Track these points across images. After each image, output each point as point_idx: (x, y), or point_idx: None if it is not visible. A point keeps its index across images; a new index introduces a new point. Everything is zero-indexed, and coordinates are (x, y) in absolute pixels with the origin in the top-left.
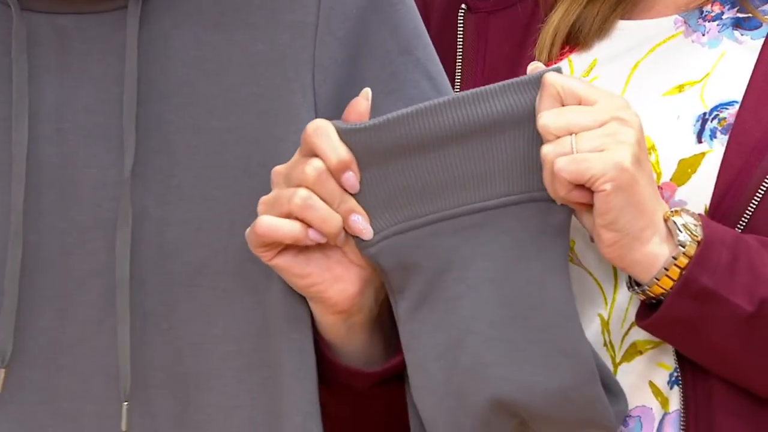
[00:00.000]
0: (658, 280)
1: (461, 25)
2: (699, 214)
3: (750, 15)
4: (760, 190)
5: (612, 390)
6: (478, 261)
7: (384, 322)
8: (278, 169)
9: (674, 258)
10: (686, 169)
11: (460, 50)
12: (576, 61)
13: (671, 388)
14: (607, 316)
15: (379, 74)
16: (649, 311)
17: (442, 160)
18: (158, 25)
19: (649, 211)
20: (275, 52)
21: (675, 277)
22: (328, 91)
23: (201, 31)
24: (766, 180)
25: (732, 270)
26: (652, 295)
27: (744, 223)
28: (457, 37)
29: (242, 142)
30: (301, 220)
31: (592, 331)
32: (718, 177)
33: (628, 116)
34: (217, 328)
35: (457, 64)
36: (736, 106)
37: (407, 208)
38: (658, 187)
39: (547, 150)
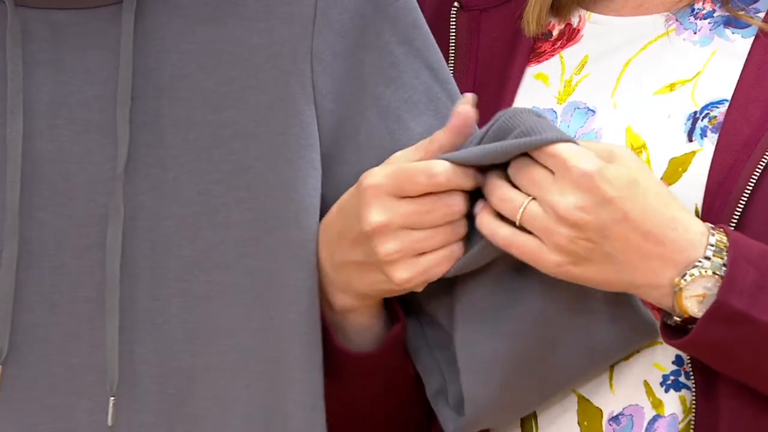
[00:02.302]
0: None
1: (454, 22)
2: (723, 229)
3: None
4: (748, 188)
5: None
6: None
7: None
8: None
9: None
10: (677, 168)
11: (453, 48)
12: (567, 58)
13: (666, 392)
14: None
15: (379, 65)
16: (674, 331)
17: None
18: (153, 20)
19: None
20: (272, 44)
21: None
22: (327, 84)
23: (196, 25)
24: (753, 177)
25: (760, 288)
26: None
27: (735, 221)
28: (449, 35)
29: (238, 136)
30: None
31: None
32: (708, 176)
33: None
34: (213, 322)
35: (450, 61)
36: (727, 105)
37: None
38: None
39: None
